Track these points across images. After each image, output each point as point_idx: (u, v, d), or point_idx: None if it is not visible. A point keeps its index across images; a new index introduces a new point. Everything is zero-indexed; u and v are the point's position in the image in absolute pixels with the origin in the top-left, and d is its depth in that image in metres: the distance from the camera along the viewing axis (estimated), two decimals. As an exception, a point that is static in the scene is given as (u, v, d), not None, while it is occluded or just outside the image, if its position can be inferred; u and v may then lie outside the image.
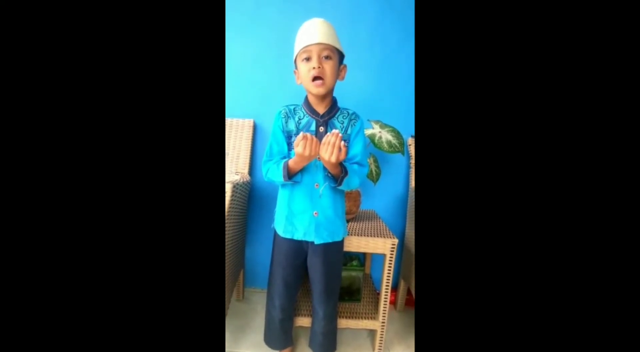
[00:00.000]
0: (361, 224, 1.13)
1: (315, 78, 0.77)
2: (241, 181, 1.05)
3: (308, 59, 0.77)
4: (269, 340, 0.99)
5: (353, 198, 1.10)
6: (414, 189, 1.29)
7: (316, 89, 0.77)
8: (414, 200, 1.28)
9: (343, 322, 1.05)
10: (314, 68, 0.75)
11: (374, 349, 1.09)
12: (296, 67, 0.82)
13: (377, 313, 1.07)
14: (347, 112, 0.85)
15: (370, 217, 1.24)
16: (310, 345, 1.01)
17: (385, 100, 1.33)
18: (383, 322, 1.05)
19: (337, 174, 0.78)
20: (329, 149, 0.70)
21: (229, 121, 1.30)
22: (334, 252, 0.89)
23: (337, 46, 0.78)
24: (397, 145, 1.12)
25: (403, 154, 1.16)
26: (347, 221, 1.10)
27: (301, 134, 0.70)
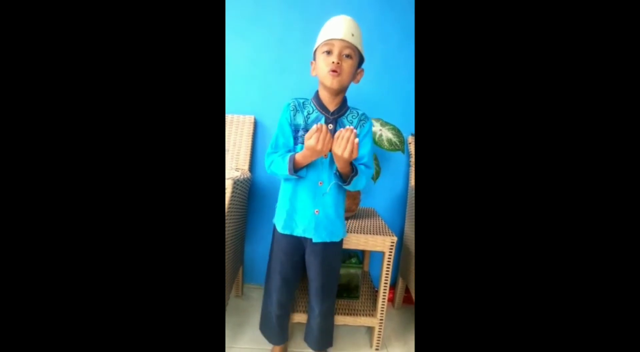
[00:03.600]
0: (360, 221, 1.13)
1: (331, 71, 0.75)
2: (241, 177, 1.05)
3: (329, 53, 0.76)
4: (265, 333, 0.99)
5: (353, 196, 1.10)
6: (413, 188, 1.29)
7: (331, 80, 0.76)
8: (413, 198, 1.29)
9: (341, 319, 1.05)
10: (333, 62, 0.74)
11: (371, 346, 1.10)
12: (314, 59, 0.81)
13: (375, 310, 1.07)
14: (357, 112, 0.85)
15: (369, 215, 1.24)
16: (306, 339, 1.01)
17: (386, 98, 1.33)
18: (381, 320, 1.05)
19: (347, 173, 0.77)
20: (343, 143, 0.69)
21: (229, 117, 1.29)
22: (332, 252, 0.88)
23: (360, 48, 0.78)
24: (398, 143, 1.13)
25: (403, 152, 1.16)
26: (346, 219, 1.11)
27: (316, 125, 0.69)
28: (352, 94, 1.29)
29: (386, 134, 1.14)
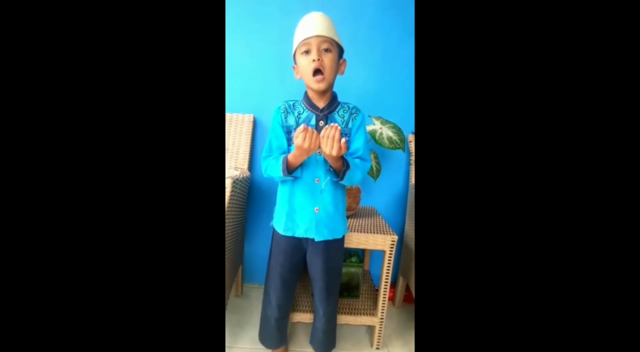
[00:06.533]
0: (361, 220, 1.12)
1: (315, 72, 0.75)
2: (241, 176, 1.04)
3: (307, 52, 0.76)
4: (263, 339, 0.99)
5: (353, 194, 1.09)
6: (414, 186, 1.29)
7: (317, 84, 0.76)
8: (414, 197, 1.28)
9: (342, 318, 1.05)
10: (313, 60, 0.74)
11: (372, 345, 1.10)
12: (295, 62, 0.81)
13: (375, 309, 1.07)
14: (348, 106, 0.84)
15: (370, 213, 1.24)
16: (311, 342, 1.01)
17: (386, 96, 1.32)
18: (381, 319, 1.05)
19: (339, 168, 0.77)
20: (329, 142, 0.69)
21: (228, 116, 1.29)
22: (335, 250, 0.88)
23: (337, 39, 0.77)
24: (398, 141, 1.12)
25: (404, 150, 1.15)
26: (347, 217, 1.10)
27: (301, 126, 0.69)
28: (353, 92, 1.29)
29: (387, 132, 1.13)
